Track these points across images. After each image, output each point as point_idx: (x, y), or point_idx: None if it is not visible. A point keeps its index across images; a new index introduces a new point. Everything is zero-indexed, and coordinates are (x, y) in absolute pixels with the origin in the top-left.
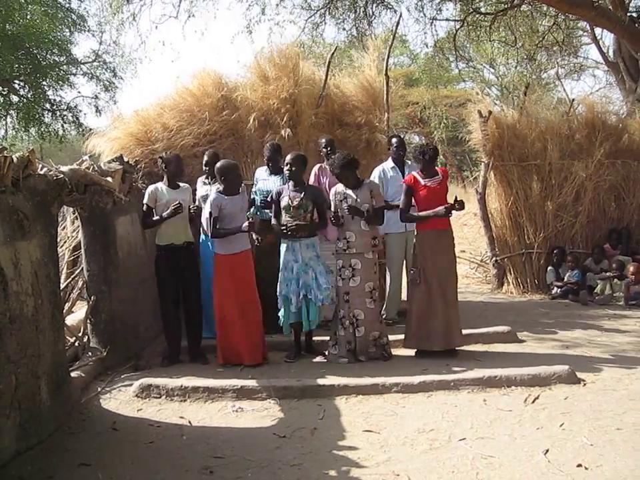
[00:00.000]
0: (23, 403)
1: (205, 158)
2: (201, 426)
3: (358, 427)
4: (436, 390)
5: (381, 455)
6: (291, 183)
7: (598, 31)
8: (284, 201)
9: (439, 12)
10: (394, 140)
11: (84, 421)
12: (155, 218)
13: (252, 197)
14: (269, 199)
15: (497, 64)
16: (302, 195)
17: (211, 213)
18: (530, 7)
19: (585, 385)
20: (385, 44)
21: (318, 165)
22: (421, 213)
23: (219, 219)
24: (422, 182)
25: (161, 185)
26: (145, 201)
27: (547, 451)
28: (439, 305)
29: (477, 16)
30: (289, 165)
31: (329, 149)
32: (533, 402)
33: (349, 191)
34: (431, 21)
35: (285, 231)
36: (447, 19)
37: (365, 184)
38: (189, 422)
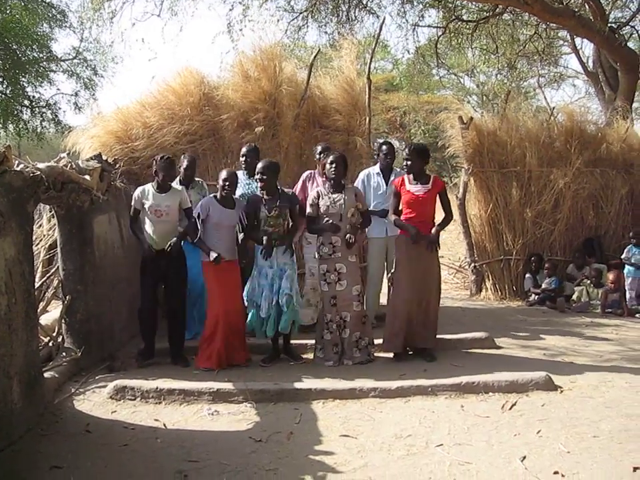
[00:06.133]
0: None
1: (185, 162)
2: (176, 429)
3: (335, 431)
4: (413, 395)
5: (357, 460)
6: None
7: (578, 41)
8: (262, 212)
9: (421, 18)
10: (384, 147)
11: (57, 422)
12: (139, 237)
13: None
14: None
15: (476, 72)
16: (277, 204)
17: (199, 215)
18: (512, 15)
19: (562, 391)
20: (366, 48)
21: (308, 172)
22: (396, 222)
23: (206, 225)
24: (407, 186)
25: (149, 187)
26: (132, 203)
27: (524, 457)
28: (414, 309)
29: (459, 23)
30: (260, 174)
31: (323, 155)
32: (510, 408)
33: (334, 195)
34: (413, 27)
35: (268, 245)
36: (429, 26)
37: (348, 188)
38: (164, 425)
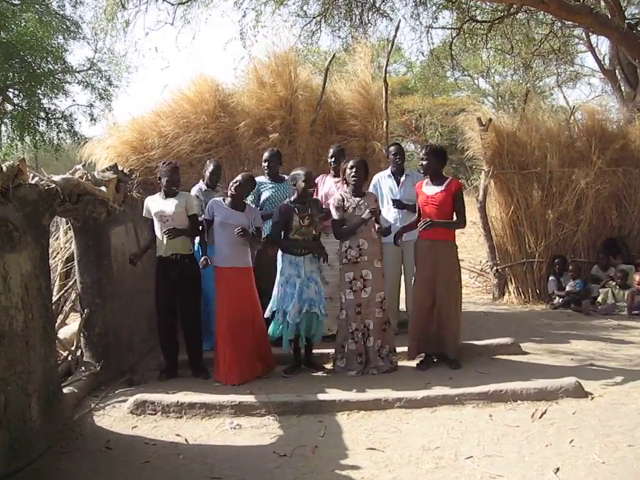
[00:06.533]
0: (12, 422)
1: (210, 168)
2: (198, 444)
3: (361, 444)
4: (440, 405)
5: (385, 475)
6: (294, 198)
7: (594, 38)
8: (294, 222)
9: (435, 20)
10: (392, 148)
11: (76, 439)
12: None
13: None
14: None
15: (491, 73)
16: (309, 212)
17: (204, 217)
18: (526, 14)
19: (592, 398)
20: (380, 51)
21: (321, 175)
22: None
23: (213, 227)
24: (423, 188)
25: (156, 196)
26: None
27: (558, 469)
28: (433, 314)
29: (473, 24)
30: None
31: (333, 159)
32: (541, 417)
33: (357, 198)
34: (427, 29)
35: (300, 251)
36: (444, 27)
37: (368, 194)
38: (186, 440)
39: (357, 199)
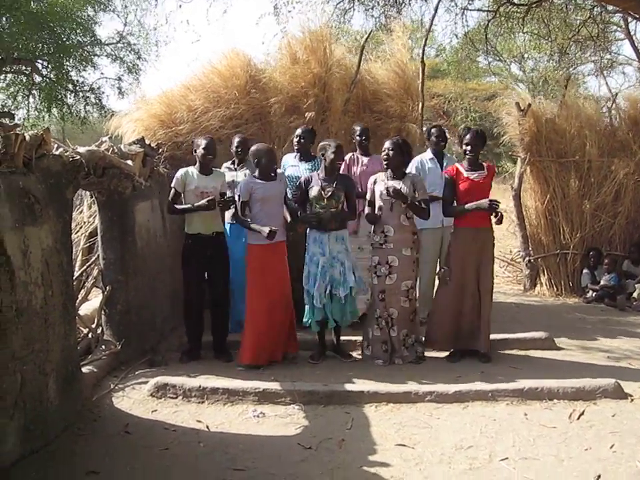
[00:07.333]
0: (29, 402)
1: (235, 142)
2: (220, 432)
3: (390, 439)
4: (472, 400)
5: (416, 474)
6: (321, 171)
7: (632, 26)
8: (314, 191)
9: (470, 2)
10: (433, 130)
11: (94, 421)
12: (183, 207)
13: None
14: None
15: (525, 58)
16: (334, 185)
17: (239, 197)
18: None
19: (632, 400)
20: (412, 34)
21: (350, 154)
22: (467, 206)
23: (252, 204)
24: (465, 174)
25: (192, 170)
26: (172, 184)
27: (599, 476)
28: (467, 306)
29: (510, 7)
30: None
31: (363, 137)
32: (578, 418)
33: (393, 182)
34: (462, 10)
35: (316, 221)
36: (479, 9)
37: (408, 176)
38: (207, 427)
39: (395, 181)
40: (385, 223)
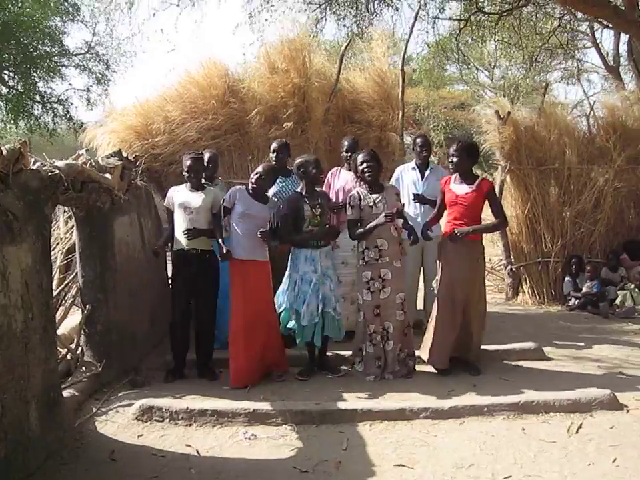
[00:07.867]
0: (9, 432)
1: (206, 158)
2: (211, 456)
3: (387, 459)
4: (468, 416)
5: None
6: (302, 189)
7: (598, 34)
8: (305, 211)
9: (441, 11)
10: (418, 140)
11: (78, 448)
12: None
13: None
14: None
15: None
16: (319, 201)
17: (223, 201)
18: (535, 7)
19: (628, 411)
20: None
21: (334, 169)
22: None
23: (232, 215)
24: (451, 185)
25: (182, 187)
26: (164, 204)
27: None
28: (457, 316)
29: (481, 16)
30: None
31: (349, 154)
32: (577, 432)
33: (374, 195)
34: (433, 19)
35: (321, 238)
36: (450, 18)
37: (388, 187)
38: (197, 451)
39: (375, 195)
40: (379, 237)
